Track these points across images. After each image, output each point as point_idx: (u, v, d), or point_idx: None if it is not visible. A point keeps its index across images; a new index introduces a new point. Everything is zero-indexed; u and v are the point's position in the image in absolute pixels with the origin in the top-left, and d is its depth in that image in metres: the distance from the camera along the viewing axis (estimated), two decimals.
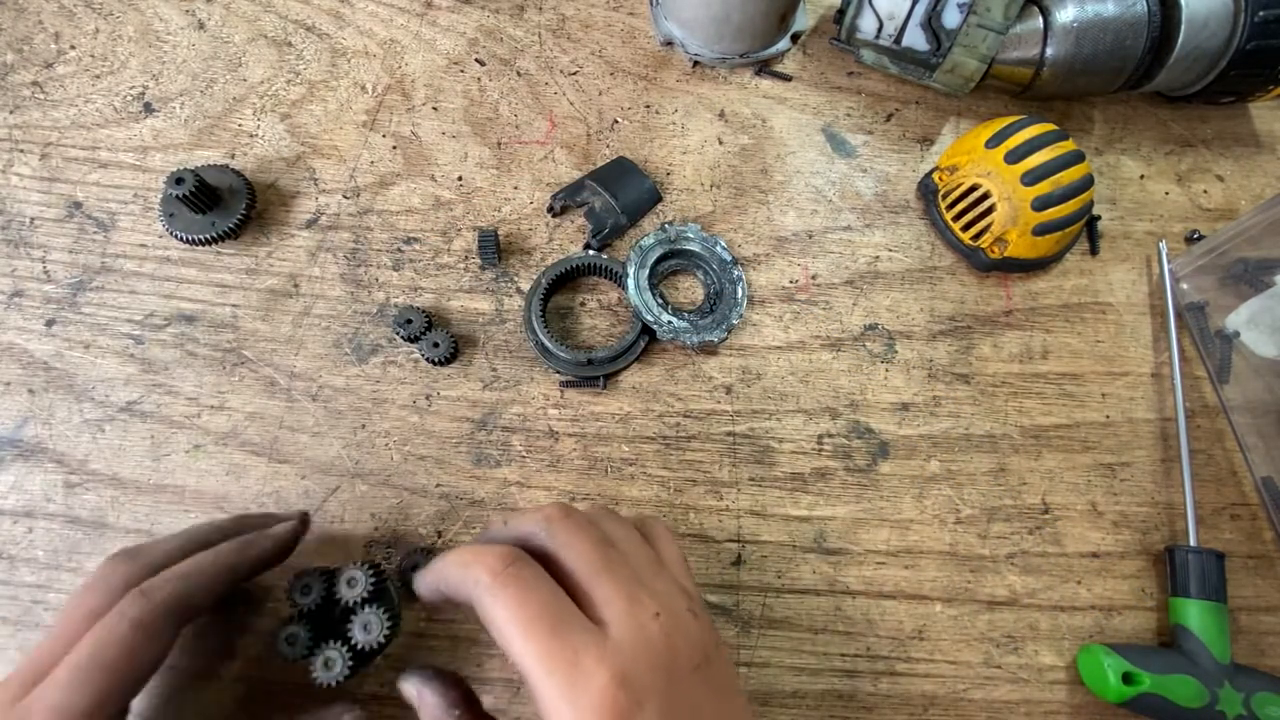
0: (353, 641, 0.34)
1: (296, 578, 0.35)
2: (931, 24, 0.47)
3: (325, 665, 0.33)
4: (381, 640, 0.34)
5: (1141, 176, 0.52)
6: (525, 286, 0.46)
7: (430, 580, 0.28)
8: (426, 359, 0.43)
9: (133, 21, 0.51)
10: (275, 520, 0.37)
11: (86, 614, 0.30)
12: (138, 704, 0.31)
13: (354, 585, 0.35)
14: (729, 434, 0.44)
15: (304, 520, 0.37)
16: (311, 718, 0.34)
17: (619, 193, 0.47)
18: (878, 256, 0.48)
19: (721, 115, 0.51)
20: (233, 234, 0.45)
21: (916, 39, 0.48)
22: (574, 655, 0.23)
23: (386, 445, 0.42)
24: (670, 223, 0.47)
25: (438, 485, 0.42)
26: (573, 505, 0.29)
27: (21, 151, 0.47)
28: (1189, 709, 0.37)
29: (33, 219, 0.46)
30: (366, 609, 0.34)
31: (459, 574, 0.26)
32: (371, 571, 0.35)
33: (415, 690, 0.29)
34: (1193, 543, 0.42)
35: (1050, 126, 0.44)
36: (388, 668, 0.38)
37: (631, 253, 0.45)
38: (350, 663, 0.33)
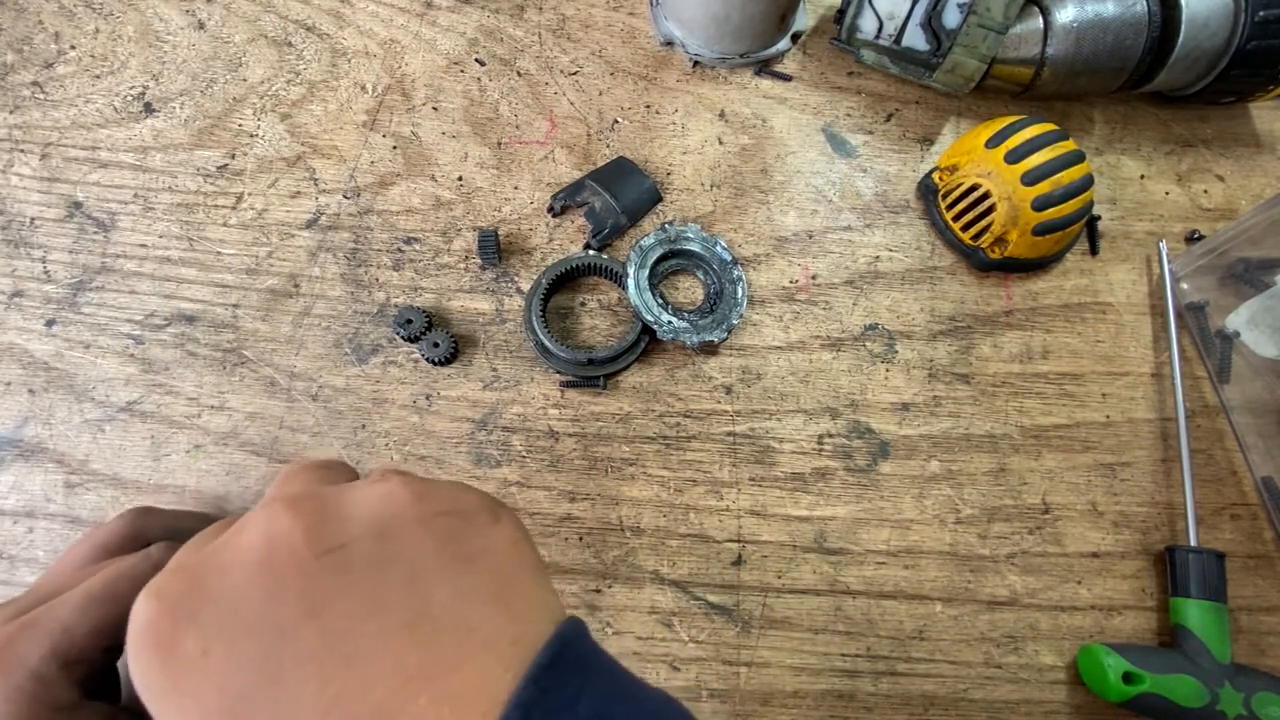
0: None
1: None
2: (931, 24, 0.47)
3: None
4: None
5: (1141, 176, 0.52)
6: (525, 286, 0.46)
7: None
8: (426, 359, 0.43)
9: (133, 21, 0.51)
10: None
11: (93, 549, 0.32)
12: None
13: None
14: (729, 434, 0.44)
15: None
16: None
17: (619, 193, 0.47)
18: (878, 256, 0.48)
19: (721, 115, 0.51)
20: None
21: (916, 39, 0.48)
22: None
23: (386, 445, 0.42)
24: (670, 223, 0.47)
25: None
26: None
27: (21, 151, 0.47)
28: (1189, 709, 0.37)
29: (33, 219, 0.46)
30: None
31: None
32: None
33: None
34: (1193, 543, 0.42)
35: (1050, 126, 0.44)
36: None
37: (631, 253, 0.45)
38: None
